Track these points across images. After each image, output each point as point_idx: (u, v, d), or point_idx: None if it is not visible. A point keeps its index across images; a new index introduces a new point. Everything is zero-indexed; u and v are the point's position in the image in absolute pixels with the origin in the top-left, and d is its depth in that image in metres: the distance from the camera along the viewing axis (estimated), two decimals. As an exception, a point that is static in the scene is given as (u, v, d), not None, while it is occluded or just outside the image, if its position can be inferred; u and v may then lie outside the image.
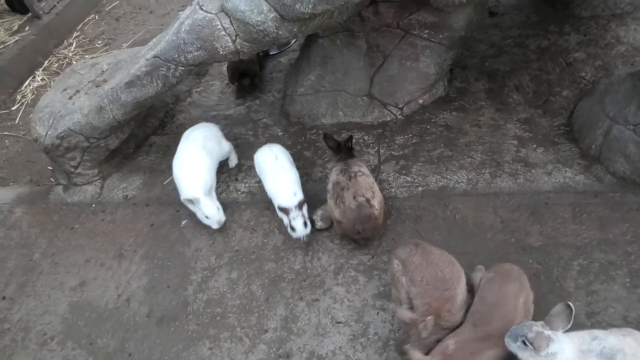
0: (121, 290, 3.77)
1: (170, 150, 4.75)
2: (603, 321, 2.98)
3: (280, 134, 4.72)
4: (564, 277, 3.24)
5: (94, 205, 4.48)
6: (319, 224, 3.81)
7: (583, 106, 4.21)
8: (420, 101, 4.61)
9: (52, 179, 4.76)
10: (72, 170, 4.44)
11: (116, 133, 4.30)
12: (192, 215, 4.16)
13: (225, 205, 4.18)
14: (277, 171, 3.86)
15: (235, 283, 3.63)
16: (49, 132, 4.17)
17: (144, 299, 3.68)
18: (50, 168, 4.77)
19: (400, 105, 4.57)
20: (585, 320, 3.00)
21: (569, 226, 3.53)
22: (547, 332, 2.51)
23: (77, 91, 4.31)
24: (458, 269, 2.93)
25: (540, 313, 3.05)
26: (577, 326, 2.94)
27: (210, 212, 3.87)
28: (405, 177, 4.07)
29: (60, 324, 3.64)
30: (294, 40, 5.64)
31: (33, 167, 5.13)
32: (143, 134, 4.86)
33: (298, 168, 4.01)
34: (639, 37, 4.65)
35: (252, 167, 4.41)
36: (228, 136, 4.77)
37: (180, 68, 3.62)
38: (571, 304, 2.56)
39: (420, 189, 3.98)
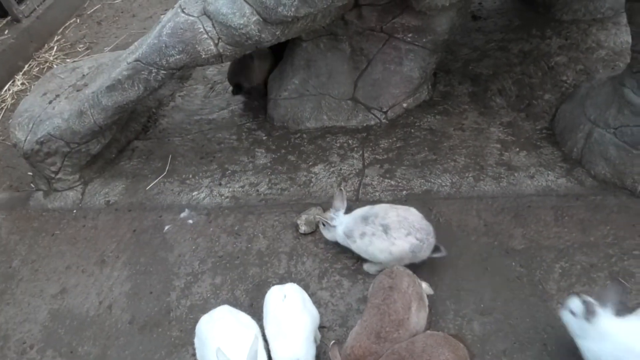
0: (103, 297, 3.71)
1: (153, 155, 4.72)
2: (585, 323, 2.99)
3: (264, 138, 4.70)
4: (546, 279, 3.26)
5: (75, 211, 4.42)
6: (303, 229, 3.79)
7: (564, 110, 4.25)
8: (405, 105, 4.62)
9: (32, 185, 4.69)
10: (53, 175, 4.38)
11: (97, 138, 4.25)
12: (175, 221, 4.13)
13: (209, 210, 4.16)
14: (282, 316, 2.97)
15: (219, 289, 3.60)
16: (28, 137, 4.11)
17: (126, 306, 3.63)
18: (30, 174, 4.69)
19: (385, 109, 4.57)
20: (568, 322, 3.02)
21: (552, 229, 3.56)
22: None
23: (58, 95, 4.25)
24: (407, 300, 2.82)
25: (523, 316, 3.08)
26: (558, 328, 2.98)
27: None
28: (389, 180, 4.07)
29: (40, 332, 3.58)
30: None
31: (12, 173, 5.04)
32: (125, 138, 4.81)
33: (281, 173, 3.98)
34: (620, 41, 4.73)
35: (235, 172, 4.41)
36: (212, 140, 4.77)
37: (162, 72, 3.59)
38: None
39: (404, 192, 3.99)
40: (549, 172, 3.91)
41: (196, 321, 3.10)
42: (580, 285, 3.19)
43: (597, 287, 3.17)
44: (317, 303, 3.37)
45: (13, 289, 3.89)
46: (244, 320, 3.03)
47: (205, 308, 3.45)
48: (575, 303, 2.63)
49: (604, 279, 3.20)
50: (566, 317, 2.70)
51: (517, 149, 4.14)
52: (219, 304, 3.45)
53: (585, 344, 2.64)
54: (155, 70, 3.60)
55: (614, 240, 3.41)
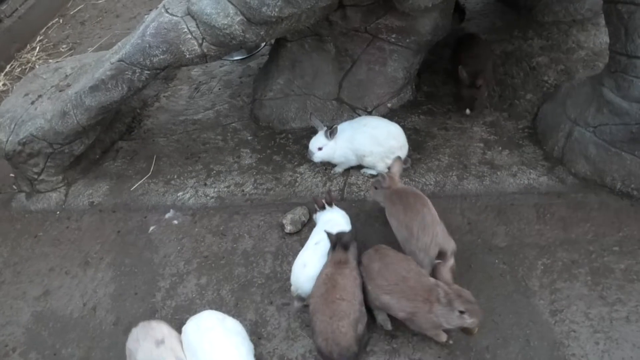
0: (87, 299, 3.68)
1: (137, 155, 4.69)
2: (566, 319, 3.04)
3: (249, 138, 4.69)
4: (528, 276, 3.31)
5: (58, 212, 4.37)
6: (289, 228, 3.80)
7: (546, 109, 4.31)
8: (389, 105, 4.65)
9: (14, 187, 4.62)
10: (35, 177, 4.33)
11: (81, 138, 4.21)
12: (160, 221, 4.11)
13: (194, 211, 4.15)
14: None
15: (204, 289, 3.59)
16: (10, 138, 4.06)
17: (110, 307, 3.60)
18: (12, 175, 4.63)
19: (369, 109, 4.60)
20: (549, 318, 3.07)
21: (534, 226, 3.61)
22: None
23: (40, 96, 4.21)
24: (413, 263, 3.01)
25: (506, 312, 3.12)
26: (541, 325, 3.04)
27: None
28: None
29: (23, 335, 3.53)
30: (263, 44, 5.64)
31: (-6, 174, 4.97)
32: (109, 139, 4.78)
33: (267, 173, 3.99)
34: (599, 41, 4.82)
35: (220, 172, 4.40)
36: (197, 141, 4.76)
37: (146, 72, 3.57)
38: None
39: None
40: (531, 171, 3.97)
41: (182, 322, 3.08)
42: (561, 281, 3.24)
43: (578, 283, 3.22)
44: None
45: (-5, 292, 3.85)
46: (231, 326, 3.01)
47: (190, 309, 3.45)
48: None
49: (584, 274, 3.26)
50: None
51: (500, 148, 4.19)
52: (205, 305, 3.47)
53: None
54: (139, 71, 3.58)
55: (594, 237, 3.47)
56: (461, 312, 2.72)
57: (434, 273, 2.86)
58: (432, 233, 3.12)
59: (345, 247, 3.16)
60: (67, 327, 3.53)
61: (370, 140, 3.95)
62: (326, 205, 3.59)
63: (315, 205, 3.64)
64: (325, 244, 3.28)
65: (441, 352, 3.00)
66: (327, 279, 3.04)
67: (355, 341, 2.89)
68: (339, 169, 4.19)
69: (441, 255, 3.10)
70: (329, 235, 3.24)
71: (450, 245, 3.19)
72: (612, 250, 3.37)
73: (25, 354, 3.42)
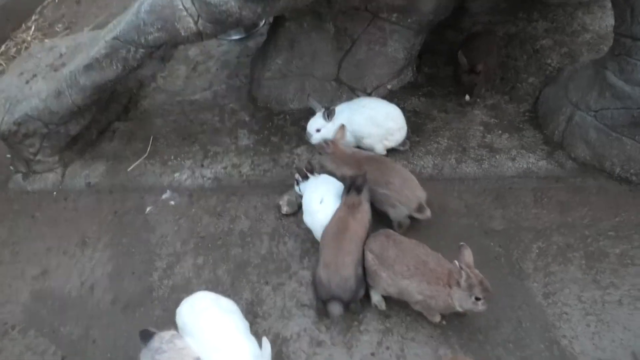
0: (85, 278, 3.70)
1: (134, 136, 4.67)
2: (559, 301, 3.06)
3: (247, 119, 4.67)
4: (523, 259, 3.31)
5: (55, 192, 4.37)
6: (285, 209, 3.80)
7: (548, 93, 4.27)
8: (389, 86, 4.60)
9: (11, 167, 4.62)
10: (32, 157, 4.32)
11: (76, 119, 4.18)
12: (157, 202, 4.12)
13: (191, 192, 4.14)
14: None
15: (201, 269, 3.61)
16: (5, 118, 4.04)
17: (108, 286, 3.62)
18: (9, 156, 4.62)
19: (369, 91, 4.56)
20: (542, 300, 3.08)
21: (531, 210, 3.60)
22: None
23: (35, 75, 4.17)
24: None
25: (500, 294, 3.13)
26: (533, 307, 3.05)
27: None
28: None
29: (22, 313, 3.57)
30: (262, 23, 5.57)
31: (-11, 156, 4.96)
32: (106, 119, 4.75)
33: (264, 154, 3.97)
34: (605, 25, 4.75)
35: (218, 153, 4.38)
36: (194, 122, 4.73)
37: (141, 50, 3.53)
38: None
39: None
40: (530, 155, 3.94)
41: (179, 301, 3.09)
42: (556, 265, 3.24)
43: (572, 266, 3.22)
44: (299, 282, 3.41)
45: (-7, 271, 3.87)
46: (226, 305, 3.02)
47: (187, 288, 3.47)
48: None
49: (579, 258, 3.26)
50: None
51: (500, 132, 4.16)
52: (201, 284, 3.49)
53: None
54: (134, 49, 3.54)
55: (591, 221, 3.47)
56: (477, 299, 2.74)
57: (458, 256, 2.85)
58: (412, 186, 3.42)
59: (359, 190, 3.26)
60: (65, 306, 3.56)
61: (369, 122, 3.92)
62: (309, 175, 3.62)
63: (298, 175, 3.66)
64: (331, 198, 3.38)
65: (434, 332, 3.02)
66: (339, 221, 3.20)
67: (354, 277, 3.03)
68: None
69: (419, 208, 3.39)
70: (343, 177, 3.34)
71: (423, 196, 3.42)
72: (608, 235, 3.36)
73: (24, 332, 3.45)
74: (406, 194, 3.40)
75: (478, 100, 4.45)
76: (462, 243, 2.86)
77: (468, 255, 2.82)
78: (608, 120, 3.62)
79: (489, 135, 4.16)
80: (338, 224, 3.21)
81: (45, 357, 3.27)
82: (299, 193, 3.69)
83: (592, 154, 3.76)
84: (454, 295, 2.79)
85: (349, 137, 3.96)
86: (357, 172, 3.41)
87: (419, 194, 3.42)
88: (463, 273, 2.73)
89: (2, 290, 3.74)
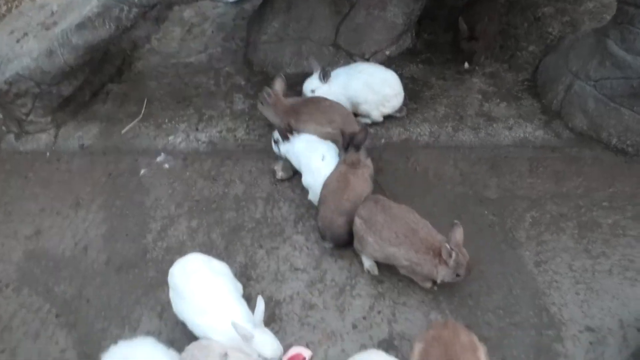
0: (78, 239, 3.70)
1: (128, 98, 4.61)
2: (550, 269, 3.08)
3: (242, 83, 4.60)
4: (516, 228, 3.33)
5: (48, 153, 4.33)
6: (280, 174, 3.78)
7: (548, 61, 4.22)
8: (387, 52, 4.54)
9: (3, 127, 4.55)
10: (24, 117, 4.26)
11: (69, 79, 4.11)
12: (151, 165, 4.09)
13: (185, 155, 4.12)
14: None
15: (195, 232, 3.61)
16: (-4, 77, 3.97)
17: (102, 247, 3.63)
18: (1, 116, 4.56)
19: (367, 56, 4.49)
20: (533, 268, 3.11)
21: (526, 179, 3.60)
22: None
23: (26, 34, 4.07)
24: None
25: (492, 262, 3.16)
26: (525, 274, 3.08)
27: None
28: (368, 128, 4.04)
29: (15, 272, 3.57)
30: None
31: (-18, 115, 4.89)
32: (99, 81, 4.66)
33: (259, 119, 3.94)
34: (608, -7, 4.66)
35: (212, 117, 4.34)
36: (189, 85, 4.67)
37: (134, 9, 3.45)
38: None
39: (382, 140, 3.98)
40: (527, 124, 3.92)
41: (172, 263, 3.10)
42: (548, 234, 3.26)
43: (565, 236, 3.24)
44: (292, 247, 3.42)
45: (-14, 230, 3.86)
46: (218, 267, 3.02)
47: (181, 250, 3.47)
48: None
49: (572, 228, 3.28)
50: None
51: (498, 100, 4.13)
52: (195, 247, 3.49)
53: None
54: (127, 8, 3.46)
55: (585, 191, 3.47)
56: (458, 275, 2.86)
57: (449, 234, 2.87)
58: (351, 121, 3.65)
59: (357, 148, 3.26)
60: (59, 266, 3.56)
61: (365, 88, 3.87)
62: (289, 135, 3.67)
63: (277, 135, 3.73)
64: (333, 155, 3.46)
65: (425, 298, 3.05)
66: (340, 177, 3.25)
67: (347, 235, 3.19)
68: None
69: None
70: (343, 134, 3.33)
71: (354, 127, 3.52)
72: (602, 205, 3.38)
73: (18, 290, 3.46)
74: (347, 129, 3.46)
75: (477, 68, 4.40)
76: (455, 221, 2.87)
77: (459, 234, 2.83)
78: (607, 90, 3.59)
79: (486, 104, 4.13)
80: (338, 179, 3.24)
81: (40, 314, 3.29)
82: (278, 153, 3.76)
83: (589, 124, 3.74)
84: (440, 271, 2.85)
85: (345, 103, 3.92)
86: (291, 119, 3.64)
87: (357, 127, 3.55)
88: (453, 254, 2.76)
89: (-5, 249, 3.74)
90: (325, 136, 3.61)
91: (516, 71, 4.35)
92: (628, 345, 2.72)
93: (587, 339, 2.78)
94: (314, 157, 3.46)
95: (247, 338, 2.61)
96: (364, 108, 3.94)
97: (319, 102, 3.73)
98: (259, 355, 2.68)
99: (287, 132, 3.68)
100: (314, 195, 3.44)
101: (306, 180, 3.51)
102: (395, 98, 3.92)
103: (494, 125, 3.96)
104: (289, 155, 3.73)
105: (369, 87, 3.86)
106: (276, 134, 3.79)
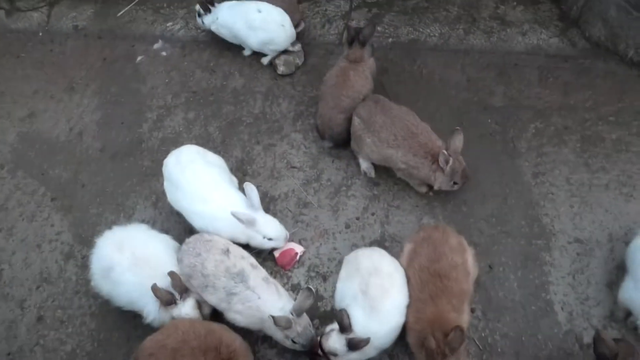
0: (73, 124, 3.64)
1: (123, -23, 4.32)
2: (547, 181, 3.08)
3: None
4: (518, 137, 3.27)
5: (40, 34, 4.15)
6: (281, 69, 3.65)
7: (572, -37, 3.93)
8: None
9: (-8, 2, 4.33)
10: (14, -8, 4.03)
11: (60, -50, 3.82)
12: (147, 52, 3.94)
13: (184, 43, 3.94)
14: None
15: (191, 123, 3.55)
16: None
17: (97, 134, 3.58)
18: (-10, -11, 4.31)
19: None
20: (530, 179, 3.10)
21: (534, 89, 3.49)
22: None
23: None
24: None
25: (490, 170, 3.14)
26: (521, 185, 3.08)
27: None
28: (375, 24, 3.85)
29: (10, 153, 3.55)
30: None
31: (-29, -13, 4.61)
32: (93, -44, 4.35)
33: None
34: None
35: (213, 3, 4.10)
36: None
37: None
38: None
39: (390, 40, 3.80)
40: (543, 30, 3.74)
41: (167, 153, 3.07)
42: (550, 146, 3.22)
43: (566, 148, 3.20)
44: (290, 144, 3.38)
45: (-21, 109, 3.79)
46: (213, 160, 2.99)
47: (177, 141, 3.44)
48: None
49: (574, 141, 3.23)
50: None
51: (515, 3, 3.90)
52: (192, 139, 3.45)
53: None
54: None
55: (593, 105, 3.38)
56: (455, 183, 2.83)
57: (448, 139, 2.81)
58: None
59: (363, 44, 3.15)
60: (54, 150, 3.54)
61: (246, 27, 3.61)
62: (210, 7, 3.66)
63: (199, 7, 3.69)
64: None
65: (419, 202, 3.07)
66: (340, 72, 3.16)
67: (346, 130, 3.12)
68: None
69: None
70: (348, 28, 3.21)
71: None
72: (608, 120, 3.30)
73: (13, 171, 3.46)
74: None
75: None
76: (457, 127, 2.80)
77: (459, 140, 2.78)
78: (633, -2, 3.38)
79: (502, 7, 3.91)
80: (338, 75, 3.14)
81: (35, 197, 3.32)
82: (202, 26, 3.75)
83: (607, 34, 3.56)
84: (437, 178, 2.83)
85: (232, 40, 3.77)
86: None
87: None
88: (450, 160, 2.72)
89: (-12, 128, 3.69)
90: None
91: (538, -27, 4.06)
92: (614, 258, 2.79)
93: (575, 250, 2.84)
94: (250, 12, 3.49)
95: (250, 222, 2.66)
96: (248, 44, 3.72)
97: None
98: (264, 237, 2.75)
99: (207, 2, 3.56)
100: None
101: (248, 39, 3.56)
102: (280, 38, 3.60)
103: (508, 29, 3.77)
104: (218, 30, 3.69)
105: (250, 25, 3.58)
106: (198, 7, 3.67)
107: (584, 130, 3.27)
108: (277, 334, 2.44)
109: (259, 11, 3.53)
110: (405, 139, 2.85)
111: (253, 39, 3.60)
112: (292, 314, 2.37)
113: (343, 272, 2.56)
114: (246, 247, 2.74)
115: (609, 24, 3.52)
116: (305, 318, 2.43)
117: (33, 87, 3.85)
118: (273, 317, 2.29)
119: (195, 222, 2.79)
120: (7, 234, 3.19)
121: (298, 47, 3.70)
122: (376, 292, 2.33)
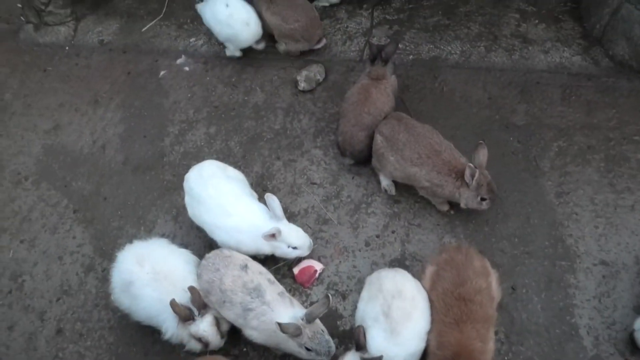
0: (96, 137, 3.70)
1: (149, -7, 4.40)
2: (571, 201, 3.03)
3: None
4: (541, 156, 3.24)
5: (67, 47, 4.23)
6: (302, 85, 3.67)
7: (595, -19, 3.91)
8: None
9: (22, 17, 4.42)
10: (43, 7, 4.13)
11: (88, -32, 3.91)
12: (171, 67, 3.99)
13: (206, 59, 3.99)
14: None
15: (213, 138, 3.58)
16: (12, -39, 3.79)
17: (119, 147, 3.63)
18: (20, 5, 4.40)
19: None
20: (554, 199, 3.06)
21: (556, 107, 3.46)
22: None
23: None
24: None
25: (512, 190, 3.10)
26: (544, 205, 3.04)
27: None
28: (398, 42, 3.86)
29: (35, 165, 3.61)
30: None
31: (1, 4, 4.72)
32: (119, -27, 4.45)
33: None
34: None
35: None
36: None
37: None
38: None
39: (411, 57, 3.81)
40: (565, 49, 3.71)
41: (189, 167, 3.08)
42: (573, 165, 3.18)
43: (590, 168, 3.16)
44: (310, 160, 3.38)
45: (6, 122, 3.86)
46: (233, 175, 3.00)
47: (198, 156, 3.47)
48: None
49: (598, 160, 3.18)
50: None
51: (537, 21, 3.88)
52: (212, 154, 3.48)
53: None
54: None
55: (617, 124, 3.34)
56: (482, 199, 2.78)
57: (472, 154, 2.81)
58: (317, 25, 3.76)
59: (386, 61, 3.17)
60: (77, 162, 3.59)
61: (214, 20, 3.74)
62: None
63: None
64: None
65: (441, 221, 3.05)
66: (362, 90, 3.18)
67: (367, 147, 3.14)
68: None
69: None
70: (370, 45, 3.23)
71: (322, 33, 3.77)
72: (633, 139, 3.26)
73: (37, 183, 3.52)
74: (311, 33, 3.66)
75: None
76: (480, 141, 2.78)
77: (483, 155, 2.76)
78: (657, 17, 3.34)
79: (524, 25, 3.89)
80: (360, 92, 3.15)
81: (58, 209, 3.37)
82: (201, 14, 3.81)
83: (631, 53, 3.52)
84: (462, 194, 2.79)
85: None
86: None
87: (320, 32, 3.77)
88: (476, 173, 2.69)
89: (15, 141, 3.76)
90: (287, 32, 3.66)
91: (560, -9, 4.05)
92: (640, 281, 2.73)
93: (601, 273, 2.78)
94: (218, 4, 3.59)
95: (277, 234, 2.67)
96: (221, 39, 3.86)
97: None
98: (288, 246, 2.76)
99: None
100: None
101: (214, 31, 3.73)
102: (244, 33, 3.68)
103: (530, 47, 3.75)
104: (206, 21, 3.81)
105: (216, 19, 3.69)
106: None
107: (608, 150, 3.22)
108: (292, 346, 2.42)
109: (227, 5, 3.61)
110: (429, 157, 2.84)
111: (218, 32, 3.74)
112: (302, 319, 2.35)
113: (365, 293, 2.53)
114: (265, 263, 2.74)
115: (633, 43, 3.48)
116: (317, 324, 2.41)
117: (59, 100, 3.92)
118: (279, 324, 2.27)
119: (218, 236, 2.80)
120: (29, 245, 3.23)
121: (262, 45, 3.82)
122: (398, 315, 2.31)
